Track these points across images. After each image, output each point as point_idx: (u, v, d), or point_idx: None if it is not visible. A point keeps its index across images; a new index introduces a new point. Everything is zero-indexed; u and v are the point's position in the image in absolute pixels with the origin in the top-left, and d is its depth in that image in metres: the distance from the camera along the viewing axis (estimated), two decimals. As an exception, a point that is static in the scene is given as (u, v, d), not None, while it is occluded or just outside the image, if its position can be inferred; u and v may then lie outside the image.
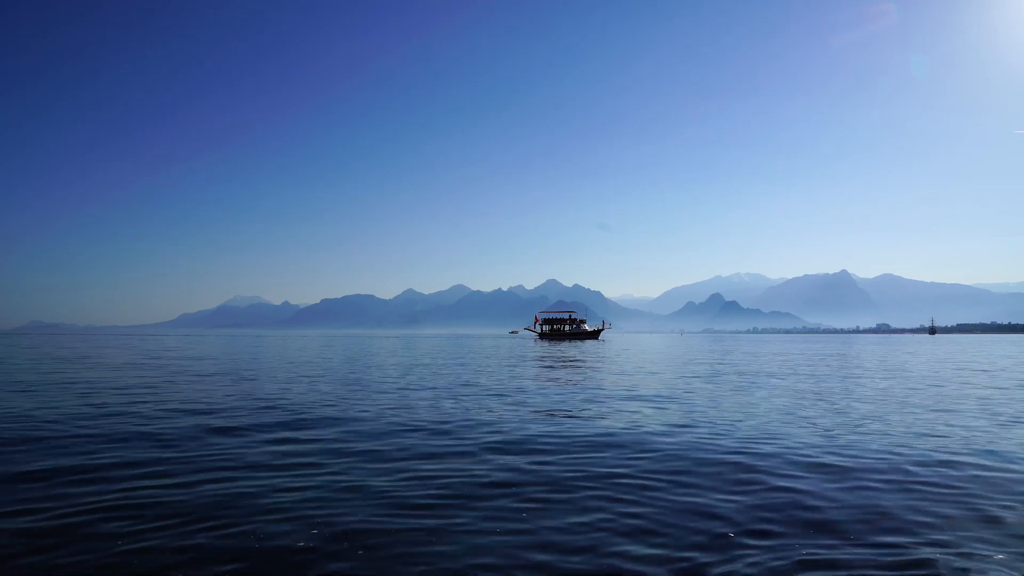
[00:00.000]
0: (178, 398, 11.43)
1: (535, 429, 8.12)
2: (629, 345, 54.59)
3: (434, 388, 13.55)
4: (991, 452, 6.75)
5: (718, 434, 7.74)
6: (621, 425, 8.47)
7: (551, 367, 21.44)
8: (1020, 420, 9.19)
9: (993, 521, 4.45)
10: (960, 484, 5.40)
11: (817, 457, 6.40)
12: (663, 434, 7.73)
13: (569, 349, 39.76)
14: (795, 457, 6.41)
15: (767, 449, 6.81)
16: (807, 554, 3.83)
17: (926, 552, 3.86)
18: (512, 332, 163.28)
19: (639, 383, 15.01)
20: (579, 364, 23.24)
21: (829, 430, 8.10)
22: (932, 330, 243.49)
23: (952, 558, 3.77)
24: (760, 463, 6.12)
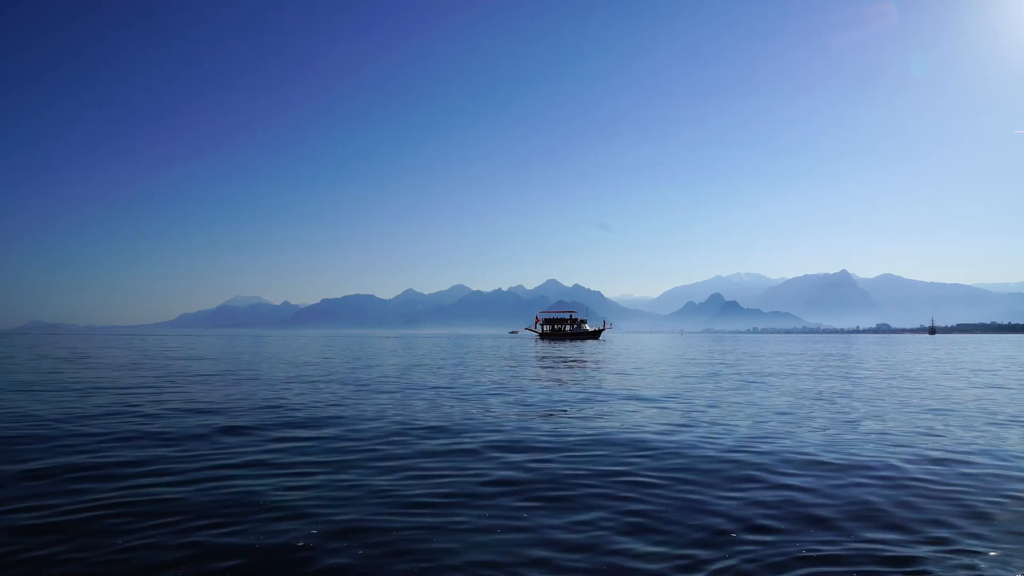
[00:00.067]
0: (179, 398, 11.45)
1: (536, 428, 8.15)
2: (629, 345, 54.61)
3: (434, 388, 13.57)
4: (988, 452, 6.77)
5: (718, 433, 7.77)
6: (621, 424, 8.49)
7: (552, 367, 21.46)
8: (1018, 420, 9.21)
9: (987, 519, 4.49)
10: (956, 483, 5.43)
11: (816, 456, 6.43)
12: (663, 433, 7.76)
13: (570, 349, 39.78)
14: (794, 456, 6.43)
15: (766, 448, 6.83)
16: (806, 550, 3.86)
17: (922, 549, 3.89)
18: (512, 332, 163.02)
19: (639, 383, 15.04)
20: (580, 364, 23.26)
21: (828, 429, 8.13)
22: (932, 330, 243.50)
23: (947, 555, 3.80)
24: (759, 461, 6.15)
